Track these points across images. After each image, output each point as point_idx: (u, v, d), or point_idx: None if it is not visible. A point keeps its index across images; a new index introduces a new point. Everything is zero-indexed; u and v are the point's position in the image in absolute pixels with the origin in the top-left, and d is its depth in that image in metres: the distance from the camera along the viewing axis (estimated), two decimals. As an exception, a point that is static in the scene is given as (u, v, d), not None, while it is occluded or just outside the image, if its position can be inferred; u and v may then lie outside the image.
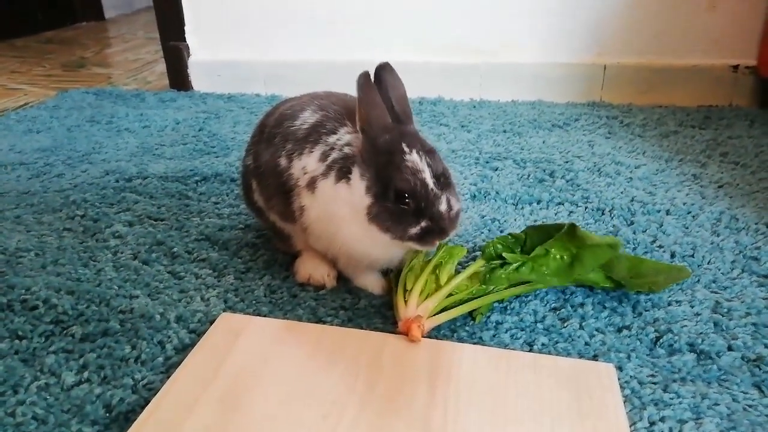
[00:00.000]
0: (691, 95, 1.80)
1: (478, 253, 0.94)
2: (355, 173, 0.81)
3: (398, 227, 0.78)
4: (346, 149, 0.83)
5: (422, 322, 0.75)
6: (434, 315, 0.78)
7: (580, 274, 0.83)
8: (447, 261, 0.82)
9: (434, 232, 0.78)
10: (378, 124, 0.79)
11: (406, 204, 0.77)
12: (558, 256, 0.82)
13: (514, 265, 0.80)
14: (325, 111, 0.89)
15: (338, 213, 0.82)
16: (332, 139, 0.85)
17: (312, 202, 0.85)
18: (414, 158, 0.78)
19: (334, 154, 0.84)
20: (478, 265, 0.83)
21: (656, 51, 1.81)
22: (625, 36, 1.82)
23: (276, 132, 0.92)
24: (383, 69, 0.83)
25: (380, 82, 0.83)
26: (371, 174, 0.79)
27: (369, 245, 0.83)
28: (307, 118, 0.89)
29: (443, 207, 0.78)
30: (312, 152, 0.86)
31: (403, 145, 0.78)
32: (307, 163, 0.86)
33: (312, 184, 0.85)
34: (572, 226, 0.80)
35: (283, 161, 0.89)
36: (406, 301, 0.78)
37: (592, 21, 1.82)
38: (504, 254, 0.81)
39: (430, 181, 0.78)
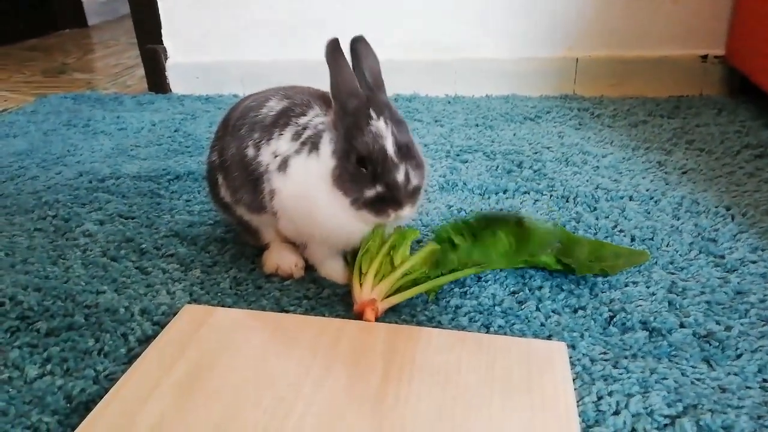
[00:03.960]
0: (662, 86, 1.83)
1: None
2: (325, 139, 0.82)
3: (354, 188, 0.79)
4: (320, 127, 0.85)
5: (376, 305, 0.77)
6: (388, 297, 0.80)
7: (525, 256, 0.85)
8: (401, 243, 0.84)
9: (387, 201, 0.79)
10: (346, 90, 0.80)
11: (365, 167, 0.79)
12: (505, 240, 0.84)
13: (464, 247, 0.82)
14: (291, 99, 0.91)
15: (311, 187, 0.83)
16: (303, 120, 0.87)
17: (285, 182, 0.86)
18: (379, 125, 0.79)
19: (308, 132, 0.85)
20: (430, 248, 0.85)
21: (627, 43, 1.84)
22: (596, 29, 1.84)
23: (241, 124, 0.93)
24: (358, 41, 0.85)
25: (355, 53, 0.84)
26: (338, 138, 0.81)
27: (340, 218, 0.83)
28: (274, 106, 0.91)
29: (400, 177, 0.78)
30: (282, 134, 0.87)
31: (371, 110, 0.80)
32: (278, 146, 0.87)
33: (284, 165, 0.85)
34: (520, 220, 0.82)
35: (250, 151, 0.90)
36: (361, 284, 0.80)
37: (563, 15, 1.84)
38: (453, 238, 0.83)
39: (390, 149, 0.78)
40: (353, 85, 0.81)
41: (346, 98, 0.80)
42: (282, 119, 0.88)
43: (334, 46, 0.81)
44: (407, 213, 0.80)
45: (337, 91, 0.81)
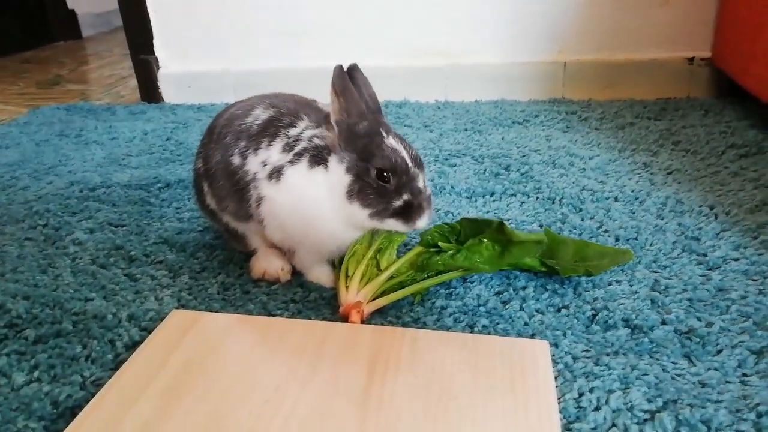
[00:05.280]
0: (650, 89, 1.85)
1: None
2: (333, 159, 0.84)
3: (380, 201, 0.82)
4: (316, 140, 0.86)
5: (362, 308, 0.78)
6: (374, 300, 0.80)
7: (510, 263, 0.86)
8: (387, 246, 0.85)
9: (414, 207, 0.82)
10: (356, 113, 0.83)
11: (386, 182, 0.82)
12: (490, 246, 0.85)
13: (450, 252, 0.83)
14: (277, 108, 0.92)
15: (313, 195, 0.85)
16: (293, 131, 0.88)
17: (276, 191, 0.87)
18: (392, 141, 0.83)
19: (303, 144, 0.87)
20: (416, 252, 0.86)
21: (614, 47, 1.86)
22: (584, 33, 1.87)
23: (226, 132, 0.94)
24: (354, 69, 0.88)
25: (354, 80, 0.87)
26: (351, 157, 0.83)
27: (342, 226, 0.86)
28: (259, 115, 0.92)
29: (421, 185, 0.83)
30: (271, 145, 0.88)
31: (382, 129, 0.84)
32: (268, 156, 0.88)
33: (276, 174, 0.87)
34: (500, 224, 0.83)
35: (236, 159, 0.91)
36: (347, 287, 0.81)
37: (551, 20, 1.86)
38: (439, 243, 0.84)
39: (409, 161, 0.83)
40: (362, 108, 0.84)
41: (356, 120, 0.83)
42: (270, 129, 0.90)
43: (341, 72, 0.83)
44: (428, 220, 0.83)
45: (346, 114, 0.83)
